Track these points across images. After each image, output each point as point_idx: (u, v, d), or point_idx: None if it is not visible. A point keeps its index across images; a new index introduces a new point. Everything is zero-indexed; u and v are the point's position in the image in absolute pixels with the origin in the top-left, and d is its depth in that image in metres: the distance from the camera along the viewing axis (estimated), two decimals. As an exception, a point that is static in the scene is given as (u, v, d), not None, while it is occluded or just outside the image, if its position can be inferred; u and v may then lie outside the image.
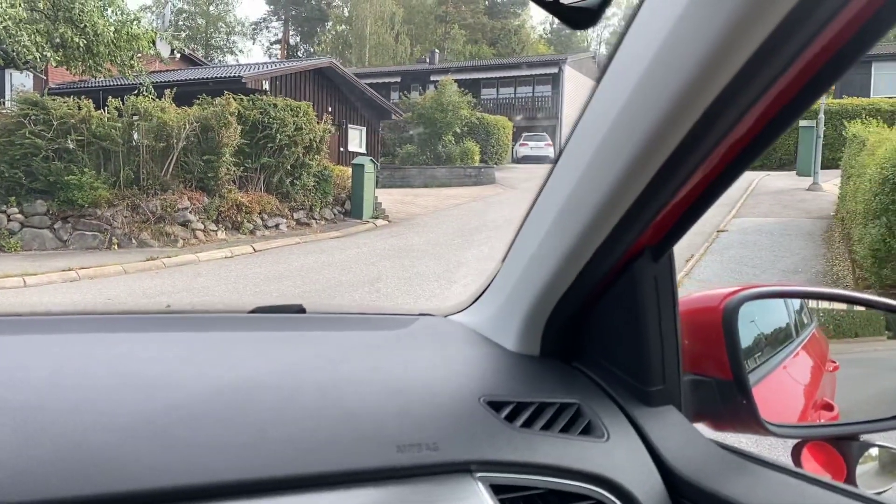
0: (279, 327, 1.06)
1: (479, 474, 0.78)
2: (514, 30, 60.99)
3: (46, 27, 12.62)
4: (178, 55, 23.73)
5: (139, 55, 14.22)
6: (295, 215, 14.20)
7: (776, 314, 1.20)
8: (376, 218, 15.46)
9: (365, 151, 25.12)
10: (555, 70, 37.73)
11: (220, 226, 12.47)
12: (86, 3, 12.81)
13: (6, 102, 17.04)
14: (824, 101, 19.82)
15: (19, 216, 11.06)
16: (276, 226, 13.63)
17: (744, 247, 10.33)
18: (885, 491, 1.12)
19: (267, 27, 70.83)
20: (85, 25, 12.81)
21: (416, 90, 37.05)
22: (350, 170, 15.50)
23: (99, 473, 0.62)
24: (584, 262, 0.90)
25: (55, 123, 11.11)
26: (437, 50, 47.60)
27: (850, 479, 1.09)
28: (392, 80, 40.81)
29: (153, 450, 0.65)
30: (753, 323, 1.09)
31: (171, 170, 12.02)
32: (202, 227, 12.13)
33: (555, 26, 74.09)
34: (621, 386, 0.98)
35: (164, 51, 17.31)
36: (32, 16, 12.52)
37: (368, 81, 36.90)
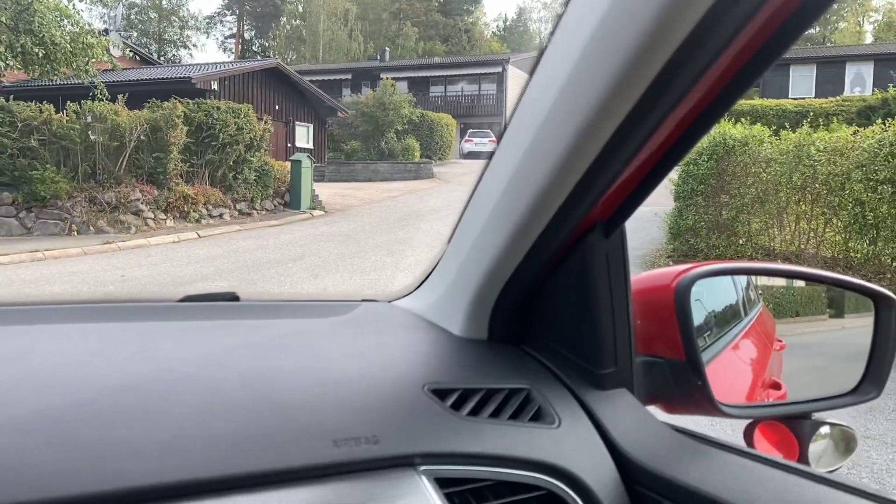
0: (209, 316, 0.99)
1: (422, 467, 0.73)
2: (466, 27, 62.52)
3: (8, 38, 14.07)
4: (130, 54, 25.07)
5: (93, 61, 15.71)
6: (237, 206, 15.85)
7: (725, 293, 1.18)
8: (313, 209, 17.18)
9: (312, 147, 26.75)
10: (499, 69, 39.21)
11: (169, 215, 14.09)
12: (44, 17, 14.28)
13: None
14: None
15: (-13, 206, 12.53)
16: (220, 215, 15.27)
17: (629, 232, 12.34)
18: (837, 468, 1.11)
19: (221, 21, 70.46)
20: (43, 36, 14.30)
21: (366, 87, 38.44)
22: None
23: None
24: (532, 239, 0.87)
25: (20, 125, 12.57)
26: (387, 48, 48.80)
27: (803, 457, 1.07)
28: (343, 76, 41.94)
29: (55, 454, 0.58)
30: (701, 302, 1.05)
31: (124, 166, 13.56)
32: (153, 216, 13.73)
33: (508, 24, 75.75)
34: (572, 369, 0.94)
35: (116, 51, 18.73)
36: (-4, 27, 13.96)
37: (321, 78, 38.26)
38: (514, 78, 40.01)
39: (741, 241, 8.20)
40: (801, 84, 33.60)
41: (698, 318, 1.03)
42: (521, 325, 1.01)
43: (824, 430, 1.13)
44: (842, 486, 0.73)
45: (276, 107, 25.02)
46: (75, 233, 12.63)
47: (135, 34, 59.82)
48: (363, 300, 1.17)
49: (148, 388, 0.71)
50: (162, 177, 14.00)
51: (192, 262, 10.58)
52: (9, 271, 9.70)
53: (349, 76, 41.76)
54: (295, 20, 67.56)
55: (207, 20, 69.42)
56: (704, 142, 8.70)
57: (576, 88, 0.71)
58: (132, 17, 62.02)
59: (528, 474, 0.78)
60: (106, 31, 23.03)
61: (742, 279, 1.24)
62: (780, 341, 1.27)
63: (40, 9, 14.36)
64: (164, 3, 63.69)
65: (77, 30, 15.12)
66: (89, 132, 13.15)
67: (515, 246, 0.88)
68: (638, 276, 1.01)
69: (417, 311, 1.09)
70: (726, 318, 1.17)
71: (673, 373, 1.00)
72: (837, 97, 27.94)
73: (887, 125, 6.60)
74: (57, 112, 13.19)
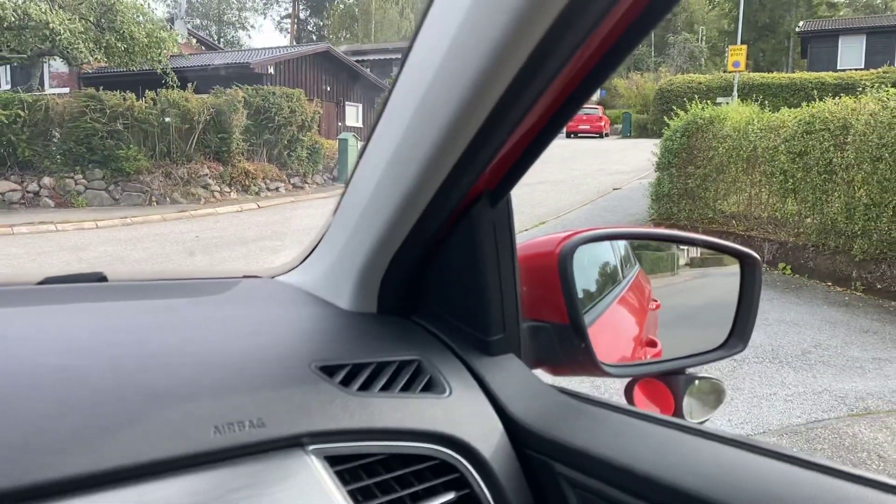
0: (74, 299, 0.92)
1: (311, 447, 0.71)
2: None
3: (95, 35, 16.33)
4: (194, 41, 27.40)
5: (165, 51, 17.90)
6: (291, 180, 17.87)
7: (604, 257, 1.21)
8: (358, 182, 19.11)
9: (361, 126, 28.64)
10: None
11: (233, 188, 16.19)
12: (125, 15, 16.49)
13: (46, 88, 20.81)
14: (737, 78, 22.74)
15: (83, 181, 14.77)
16: (277, 188, 17.31)
17: (618, 200, 13.87)
18: (706, 420, 1.18)
19: (277, 2, 71.75)
20: (124, 32, 16.52)
21: (415, 66, 39.91)
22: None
23: None
24: (420, 210, 0.87)
25: (108, 111, 14.76)
26: (435, 26, 50.06)
27: (678, 411, 1.14)
28: (394, 56, 43.54)
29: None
30: (582, 266, 1.07)
31: (193, 145, 15.66)
32: (219, 189, 15.85)
33: None
34: (461, 337, 0.96)
35: (181, 38, 20.90)
36: (87, 25, 16.21)
37: (372, 58, 39.92)
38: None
39: (703, 206, 9.68)
40: (850, 55, 33.44)
41: (580, 282, 1.04)
42: (410, 297, 1.00)
43: (696, 383, 1.18)
44: (714, 436, 0.76)
45: (327, 88, 26.98)
46: (155, 203, 14.82)
47: (196, 19, 62.49)
48: (244, 276, 1.12)
49: (0, 381, 0.63)
50: (226, 155, 16.08)
51: (253, 227, 12.60)
52: (107, 232, 11.89)
53: (399, 56, 43.20)
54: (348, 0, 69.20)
55: (264, 1, 71.29)
56: (680, 121, 10.19)
57: (457, 60, 0.70)
58: (194, 0, 64.77)
59: (420, 445, 0.78)
60: (172, 20, 25.31)
61: (620, 245, 1.27)
62: (656, 301, 1.31)
63: (121, 8, 16.57)
64: None
65: (152, 26, 17.30)
66: (164, 116, 15.27)
67: (403, 217, 0.87)
68: (523, 243, 1.01)
69: (302, 285, 1.07)
70: (606, 282, 1.19)
71: (558, 336, 1.02)
72: (880, 69, 27.92)
73: (811, 106, 7.98)
74: (137, 99, 15.34)
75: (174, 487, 0.62)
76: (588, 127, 32.87)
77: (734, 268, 1.28)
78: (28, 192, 14.27)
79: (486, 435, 0.84)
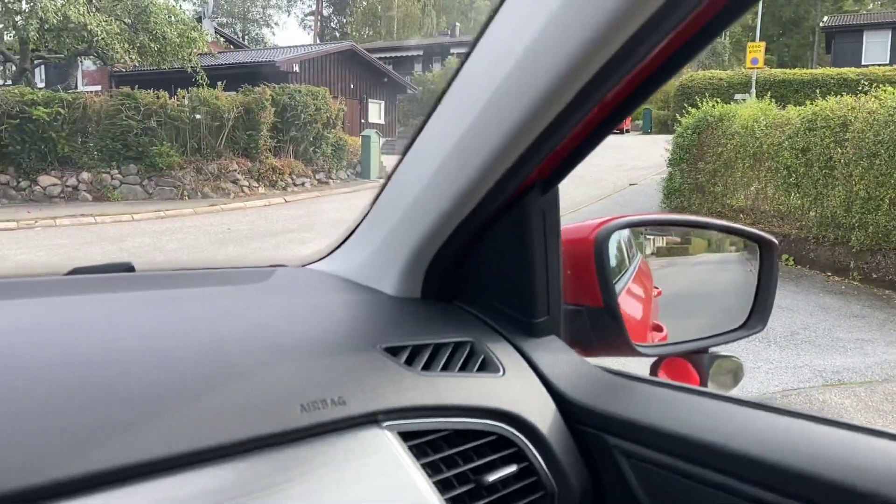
0: (104, 288, 0.92)
1: (386, 423, 0.75)
2: None
3: (130, 36, 17.02)
4: (221, 39, 28.10)
5: (195, 51, 18.56)
6: (317, 176, 18.44)
7: (613, 247, 1.21)
8: (381, 178, 19.63)
9: (384, 122, 29.16)
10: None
11: (261, 183, 16.80)
12: (158, 17, 17.14)
13: (78, 86, 21.58)
14: (755, 74, 22.86)
15: (119, 176, 15.44)
16: (303, 184, 17.90)
17: (634, 195, 14.23)
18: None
19: (301, 0, 73.86)
20: (157, 33, 17.19)
21: (437, 62, 40.20)
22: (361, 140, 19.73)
23: None
24: (477, 199, 0.89)
25: (142, 109, 15.42)
26: (457, 23, 50.22)
27: (704, 387, 1.18)
28: (415, 53, 43.68)
29: (23, 439, 0.54)
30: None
31: (223, 142, 16.28)
32: (247, 184, 16.46)
33: None
34: (506, 320, 0.99)
35: (208, 37, 21.55)
36: (122, 27, 16.90)
37: (394, 55, 40.25)
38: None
39: (712, 200, 10.05)
40: (876, 50, 33.07)
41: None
42: (452, 282, 1.03)
43: (719, 362, 1.23)
44: (765, 406, 0.79)
45: (351, 86, 27.53)
46: (186, 197, 15.47)
47: (221, 17, 63.29)
48: (272, 265, 1.13)
49: (88, 367, 0.65)
50: (254, 151, 16.69)
51: (280, 220, 13.17)
52: (142, 225, 12.53)
53: (421, 52, 43.09)
54: (371, -3, 69.51)
55: (288, -1, 72.34)
56: (691, 118, 10.54)
57: (542, 56, 0.71)
58: (219, -2, 65.52)
59: (482, 421, 0.82)
60: (199, 19, 25.99)
61: (625, 233, 1.28)
62: (657, 288, 1.35)
63: (154, 10, 17.24)
64: None
65: (183, 26, 17.96)
66: (195, 114, 15.90)
67: (459, 206, 0.90)
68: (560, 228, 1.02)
69: (338, 273, 1.08)
70: (617, 269, 1.21)
71: (591, 319, 1.06)
72: (900, 65, 27.67)
73: (814, 104, 8.33)
74: (170, 98, 15.98)
75: (264, 465, 0.64)
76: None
77: (705, 256, 1.37)
78: (67, 186, 14.98)
79: (541, 411, 0.87)
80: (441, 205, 0.91)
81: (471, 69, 0.82)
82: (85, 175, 15.11)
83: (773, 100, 10.32)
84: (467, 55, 0.82)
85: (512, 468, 0.81)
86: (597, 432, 0.87)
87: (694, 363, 1.25)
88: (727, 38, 49.14)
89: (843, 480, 0.67)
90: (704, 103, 10.34)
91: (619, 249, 1.27)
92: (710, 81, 27.07)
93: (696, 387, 0.99)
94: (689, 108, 10.76)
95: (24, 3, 15.90)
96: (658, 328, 1.32)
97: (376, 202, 1.03)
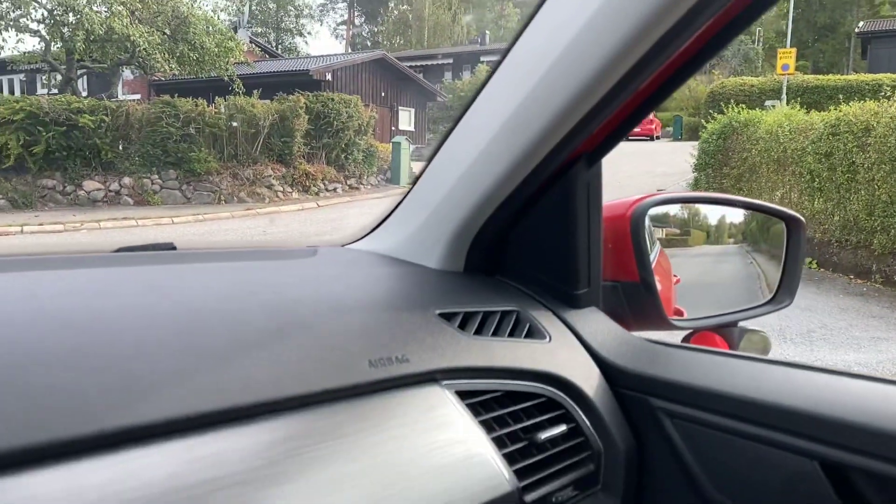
0: (153, 262, 0.93)
1: (444, 382, 0.78)
2: None
3: (170, 46, 17.63)
4: (256, 48, 28.78)
5: (232, 60, 19.15)
6: (348, 181, 18.85)
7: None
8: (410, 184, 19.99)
9: (414, 129, 29.58)
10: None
11: (294, 188, 17.25)
12: (196, 27, 17.75)
13: (119, 95, 22.31)
14: (786, 81, 22.77)
15: (159, 181, 16.00)
16: (335, 189, 18.31)
17: None
18: None
19: (333, 9, 73.21)
20: (195, 43, 17.79)
21: (467, 71, 40.47)
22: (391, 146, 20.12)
23: (55, 416, 0.53)
24: (525, 174, 0.92)
25: (181, 116, 15.96)
26: (487, 31, 50.43)
27: None
28: (445, 61, 43.95)
29: (107, 387, 0.57)
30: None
31: (258, 148, 16.76)
32: (281, 189, 16.92)
33: None
34: (548, 291, 1.02)
35: (245, 44, 22.16)
36: (162, 38, 17.53)
37: (424, 63, 40.67)
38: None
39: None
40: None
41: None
42: (494, 256, 1.07)
43: (748, 335, 1.28)
44: (801, 365, 0.82)
45: (382, 94, 27.99)
46: (223, 201, 15.97)
47: (256, 26, 64.38)
48: (310, 246, 1.15)
49: (173, 323, 0.69)
50: (288, 157, 17.16)
51: (314, 223, 13.55)
52: (181, 228, 13.00)
53: (451, 60, 43.50)
54: (402, 5, 70.24)
55: (321, 8, 72.96)
56: (716, 124, 10.69)
57: (595, 33, 0.74)
58: (252, 7, 66.69)
59: (531, 384, 0.86)
60: (235, 29, 26.68)
61: (647, 221, 1.30)
62: (676, 276, 1.38)
63: (193, 21, 17.85)
64: None
65: (220, 36, 18.55)
66: (232, 121, 16.41)
67: (508, 181, 0.93)
68: None
69: (378, 251, 1.11)
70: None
71: (626, 293, 1.11)
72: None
73: (837, 109, 8.42)
74: (207, 106, 16.53)
75: (338, 415, 0.67)
76: (638, 129, 33.02)
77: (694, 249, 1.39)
78: (110, 190, 15.57)
79: (586, 376, 0.91)
80: (489, 180, 0.94)
81: (521, 49, 0.85)
82: (127, 180, 15.68)
83: (806, 106, 10.39)
84: (515, 39, 0.85)
85: (561, 427, 0.85)
86: (640, 395, 0.90)
87: (724, 337, 1.29)
88: (760, 45, 48.70)
89: (884, 428, 0.70)
90: (730, 109, 10.48)
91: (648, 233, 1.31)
92: (742, 88, 26.96)
93: (733, 352, 1.04)
94: (714, 115, 10.90)
95: (71, 15, 16.59)
96: (679, 313, 1.33)
97: (418, 182, 1.08)
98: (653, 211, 1.21)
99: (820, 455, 0.74)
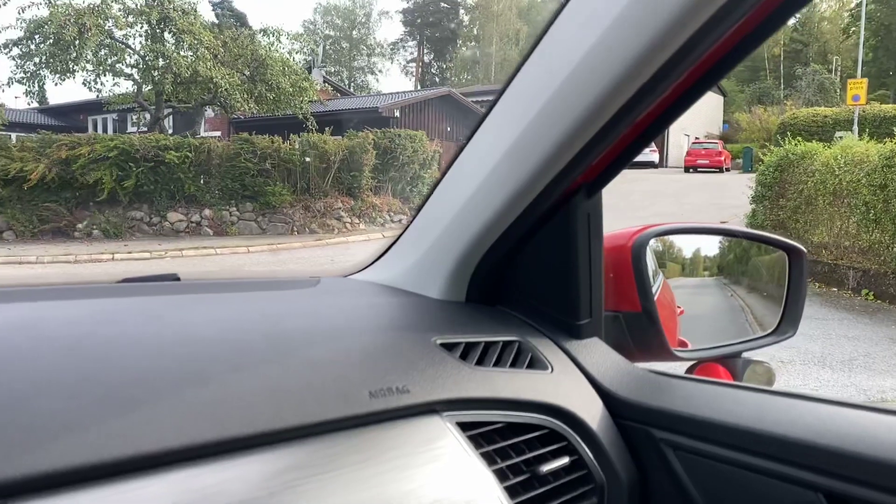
0: (156, 293, 0.95)
1: (445, 413, 0.77)
2: None
3: (249, 87, 18.83)
4: (329, 87, 30.11)
5: (306, 99, 20.24)
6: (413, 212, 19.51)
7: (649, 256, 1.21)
8: (474, 215, 20.52)
9: (479, 162, 30.12)
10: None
11: (361, 219, 18.00)
12: (273, 69, 18.90)
13: (201, 133, 23.72)
14: (858, 112, 22.22)
15: (236, 213, 16.98)
16: (400, 220, 18.92)
17: None
18: None
19: (403, 47, 74.81)
20: (272, 84, 18.93)
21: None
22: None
23: (48, 445, 0.53)
24: (525, 204, 0.92)
25: (258, 152, 16.99)
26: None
27: None
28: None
29: (108, 416, 0.57)
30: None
31: (329, 182, 17.62)
32: (350, 220, 17.68)
33: None
34: (549, 322, 1.01)
35: (318, 82, 23.25)
36: (242, 79, 18.74)
37: (490, 98, 41.43)
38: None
39: (794, 236, 10.15)
40: None
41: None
42: (495, 286, 1.06)
43: (752, 367, 1.27)
44: (805, 396, 0.81)
45: (448, 128, 28.74)
46: (296, 232, 16.83)
47: (329, 66, 66.72)
48: (312, 277, 1.15)
49: (175, 352, 0.69)
50: (357, 190, 17.96)
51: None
52: (256, 256, 13.82)
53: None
54: (469, 42, 71.56)
55: (391, 46, 74.75)
56: (773, 156, 10.78)
57: (595, 64, 0.74)
58: (327, 47, 69.25)
59: (533, 415, 0.84)
60: (309, 69, 28.00)
61: (651, 252, 1.29)
62: (680, 308, 1.38)
63: (271, 63, 19.01)
64: (354, 33, 70.32)
65: (296, 77, 19.68)
66: (305, 157, 17.32)
67: (508, 211, 0.93)
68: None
69: (383, 281, 1.12)
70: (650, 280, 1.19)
71: (628, 324, 1.09)
72: None
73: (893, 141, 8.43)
74: (283, 142, 17.53)
75: (340, 445, 0.67)
76: (707, 161, 32.42)
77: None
78: (192, 221, 16.63)
79: (588, 407, 0.89)
80: (489, 211, 0.94)
81: (521, 81, 0.86)
82: (207, 212, 16.72)
83: (880, 137, 10.27)
84: (516, 70, 0.86)
85: (564, 460, 0.84)
86: (643, 426, 0.89)
87: (728, 368, 1.27)
88: (837, 74, 47.45)
89: (889, 459, 0.69)
90: (787, 141, 10.57)
91: (650, 262, 1.27)
92: (815, 119, 26.43)
93: (737, 383, 1.04)
94: (770, 147, 10.98)
95: (160, 60, 17.98)
96: (683, 344, 1.32)
97: (419, 214, 1.09)
98: (653, 242, 1.23)
99: (825, 487, 0.73)
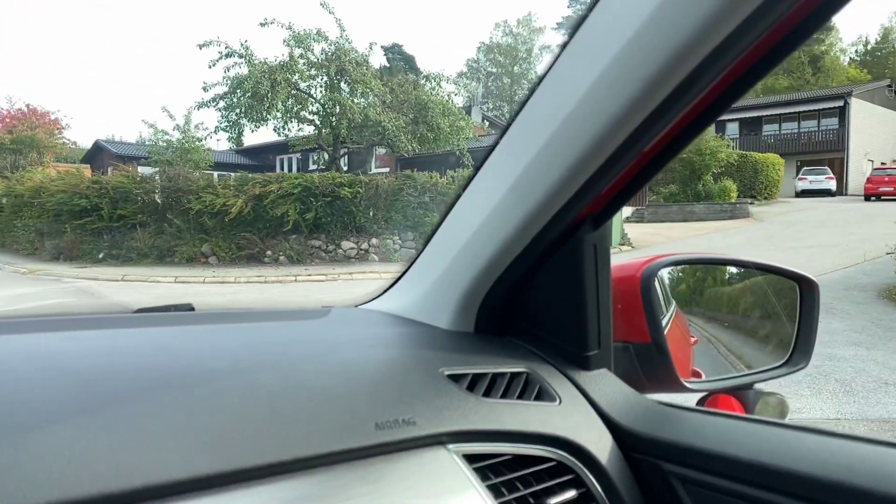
0: (170, 323, 0.98)
1: (451, 445, 0.77)
2: (814, 56, 59.07)
3: (412, 129, 20.76)
4: (487, 123, 31.82)
5: (463, 138, 21.85)
6: (562, 242, 20.28)
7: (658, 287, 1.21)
8: (622, 244, 20.76)
9: (634, 192, 29.94)
10: (840, 103, 37.94)
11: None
12: (434, 110, 20.69)
13: (371, 170, 25.98)
14: None
15: (399, 241, 18.62)
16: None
17: (884, 264, 13.48)
18: None
19: None
20: (433, 125, 20.70)
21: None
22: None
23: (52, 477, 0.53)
24: (532, 235, 0.92)
25: (419, 187, 18.61)
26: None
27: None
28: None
29: (116, 447, 0.58)
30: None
31: (482, 213, 18.92)
32: (500, 248, 18.86)
33: (869, 47, 68.50)
34: (558, 353, 1.01)
35: (477, 119, 24.76)
36: (406, 121, 20.73)
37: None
38: (860, 111, 37.92)
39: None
40: None
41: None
42: (504, 317, 1.06)
43: (765, 398, 1.26)
44: (815, 430, 0.79)
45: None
46: (450, 259, 18.25)
47: (490, 101, 68.52)
48: (323, 307, 1.16)
49: (185, 383, 0.70)
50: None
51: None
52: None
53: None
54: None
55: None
56: None
57: (602, 94, 0.73)
58: (489, 83, 71.41)
59: (541, 447, 0.84)
60: (469, 109, 29.70)
61: (663, 281, 1.29)
62: (693, 337, 1.37)
63: (432, 106, 20.84)
64: (515, 69, 71.19)
65: (454, 117, 21.37)
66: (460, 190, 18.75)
67: (515, 242, 0.93)
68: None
69: (391, 311, 1.12)
70: (660, 310, 1.20)
71: (638, 355, 1.09)
72: None
73: None
74: (441, 177, 19.11)
75: (346, 477, 0.68)
76: (891, 189, 30.13)
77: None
78: (361, 249, 18.51)
79: (597, 439, 0.89)
80: (496, 242, 0.95)
81: (528, 115, 0.86)
82: (374, 240, 18.51)
83: None
84: (523, 103, 0.87)
85: (571, 493, 0.83)
86: (652, 459, 0.89)
87: (740, 399, 1.27)
88: None
89: None
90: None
91: (659, 293, 1.26)
92: None
93: (747, 415, 1.02)
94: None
95: (337, 107, 20.39)
96: (697, 374, 1.32)
97: (428, 245, 1.09)
98: (662, 272, 1.22)
99: None
